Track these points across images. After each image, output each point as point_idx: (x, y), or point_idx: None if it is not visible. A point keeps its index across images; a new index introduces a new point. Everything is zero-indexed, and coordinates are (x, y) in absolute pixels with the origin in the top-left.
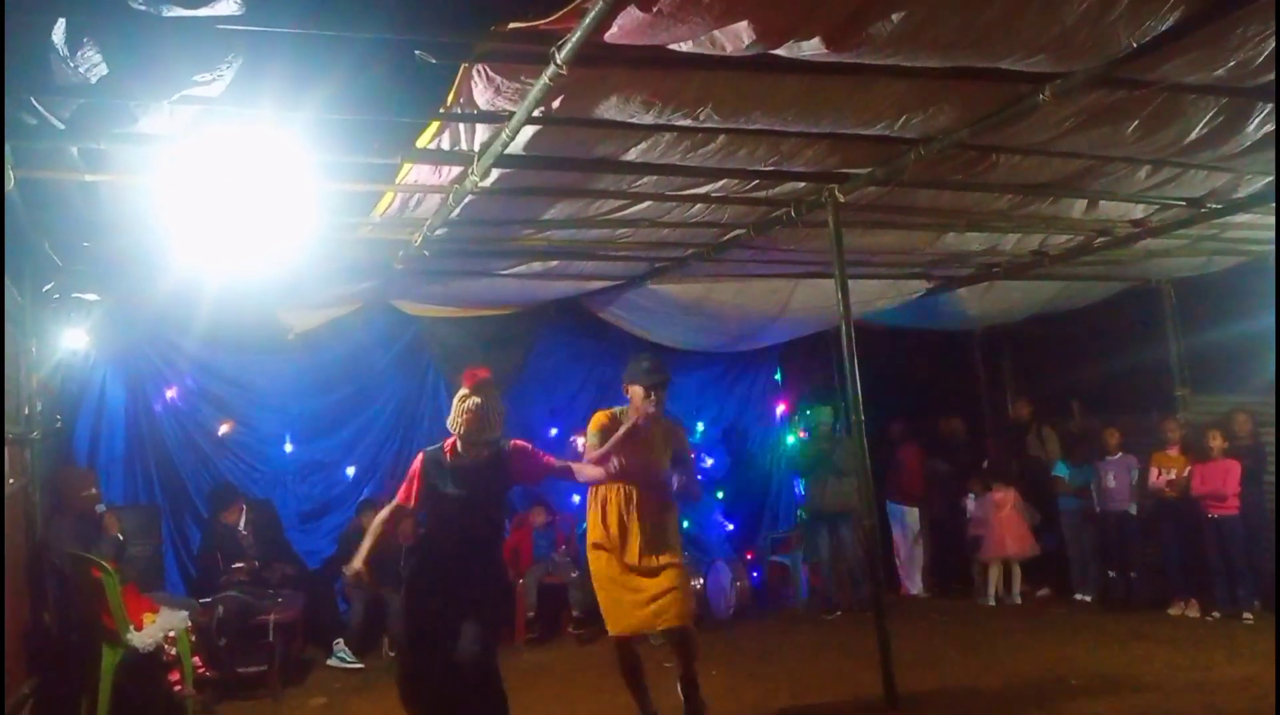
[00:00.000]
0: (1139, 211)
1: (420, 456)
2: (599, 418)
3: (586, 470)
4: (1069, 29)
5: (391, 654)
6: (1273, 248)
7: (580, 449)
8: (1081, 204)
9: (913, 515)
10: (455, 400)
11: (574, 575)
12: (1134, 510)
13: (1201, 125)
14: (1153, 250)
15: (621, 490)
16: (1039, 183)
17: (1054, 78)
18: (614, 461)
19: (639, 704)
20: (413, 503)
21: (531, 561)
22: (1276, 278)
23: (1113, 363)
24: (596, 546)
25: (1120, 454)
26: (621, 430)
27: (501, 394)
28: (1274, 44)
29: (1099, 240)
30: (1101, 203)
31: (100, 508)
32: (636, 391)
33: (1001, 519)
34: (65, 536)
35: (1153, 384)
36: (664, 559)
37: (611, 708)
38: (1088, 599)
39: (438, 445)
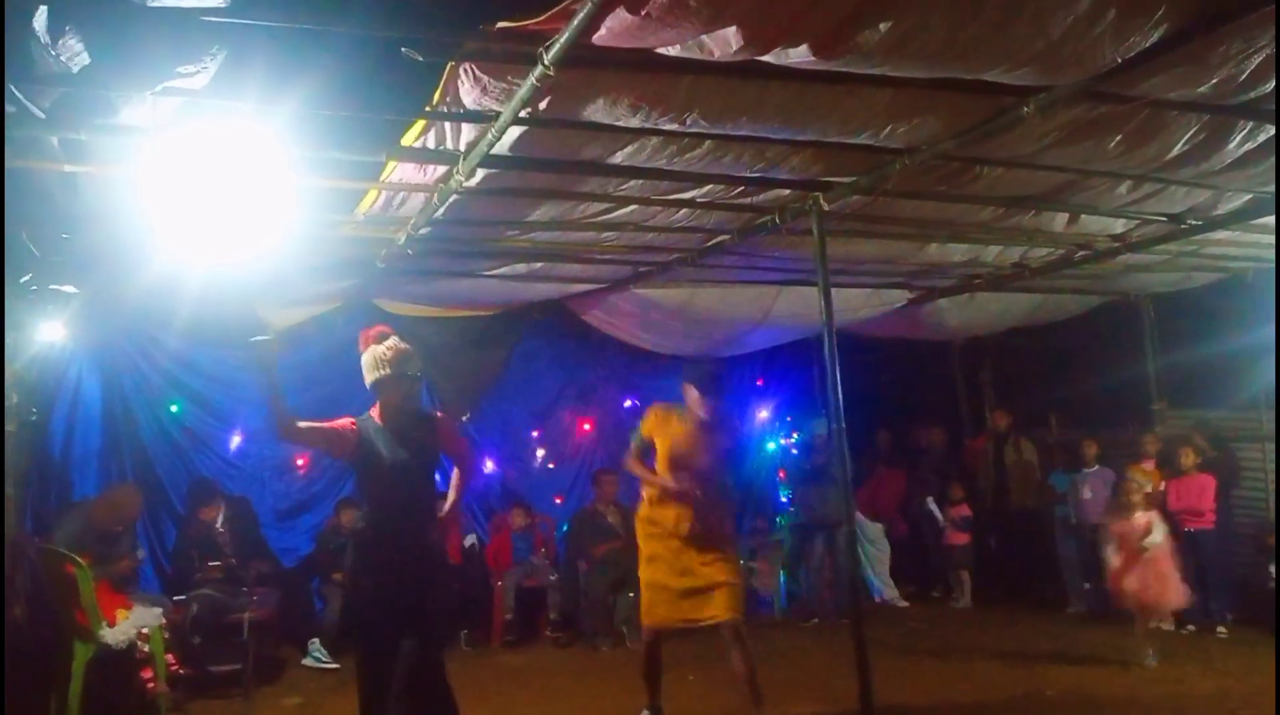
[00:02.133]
0: (1120, 226)
1: (351, 418)
2: (655, 412)
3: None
4: (1055, 43)
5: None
6: (1251, 264)
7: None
8: (1063, 218)
9: (877, 529)
10: (365, 357)
11: (552, 578)
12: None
13: (1184, 142)
14: (1133, 265)
15: (679, 487)
16: (1022, 195)
17: (1038, 91)
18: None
19: (649, 695)
20: (349, 448)
21: (510, 564)
22: (1277, 287)
23: (1091, 376)
24: (651, 533)
25: (1097, 466)
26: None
27: (483, 395)
28: (1257, 60)
29: (1080, 254)
30: (1083, 217)
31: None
32: (691, 392)
33: (1158, 569)
34: (72, 536)
35: (1130, 398)
36: (716, 553)
37: (590, 711)
38: (1080, 610)
39: (365, 414)
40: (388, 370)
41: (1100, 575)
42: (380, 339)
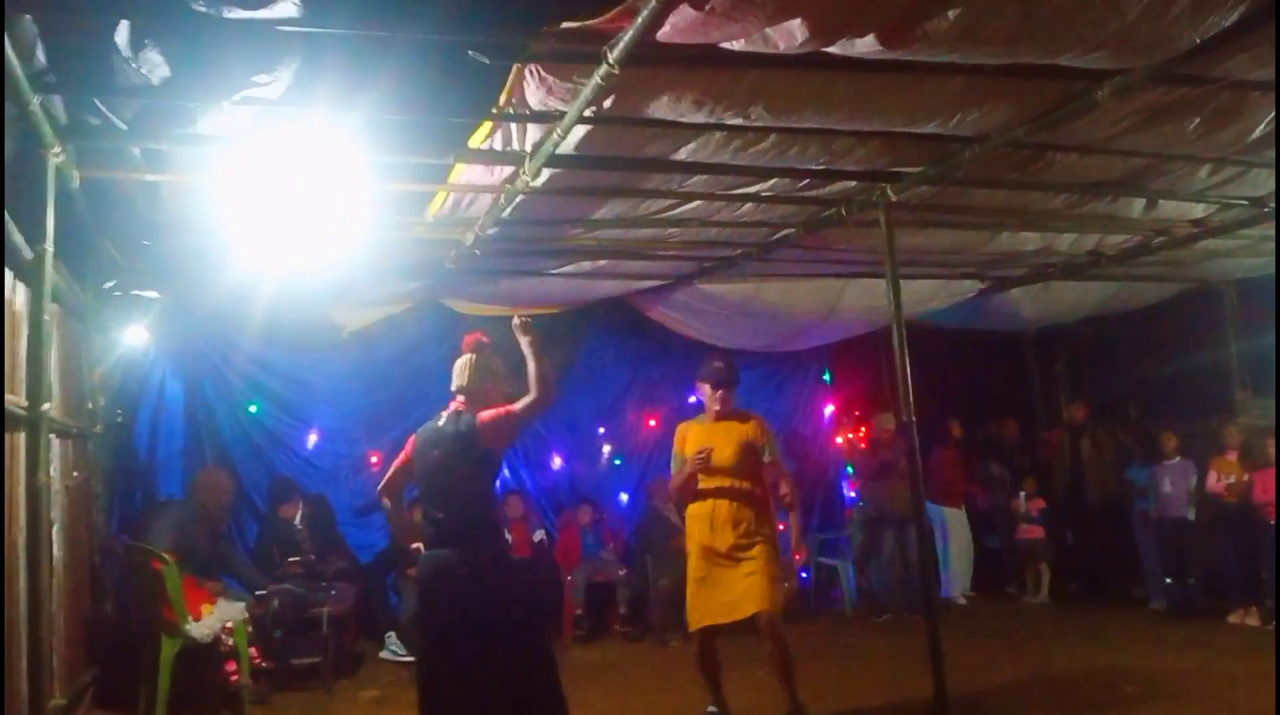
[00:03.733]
0: (1199, 211)
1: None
2: (679, 430)
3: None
4: (1129, 24)
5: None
6: None
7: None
8: (1140, 203)
9: (954, 518)
10: (465, 362)
11: (621, 573)
12: (1192, 516)
13: (1265, 123)
14: (1213, 251)
15: (710, 481)
16: (1096, 182)
17: (1113, 74)
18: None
19: (712, 693)
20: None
21: (579, 560)
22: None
23: (1170, 365)
24: (690, 534)
25: (1178, 458)
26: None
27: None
28: None
29: (1158, 240)
30: (1161, 202)
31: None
32: (705, 388)
33: None
34: (165, 530)
35: (1211, 387)
36: (752, 551)
37: (661, 705)
38: (1161, 606)
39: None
40: (467, 382)
41: (1182, 570)
42: (474, 350)
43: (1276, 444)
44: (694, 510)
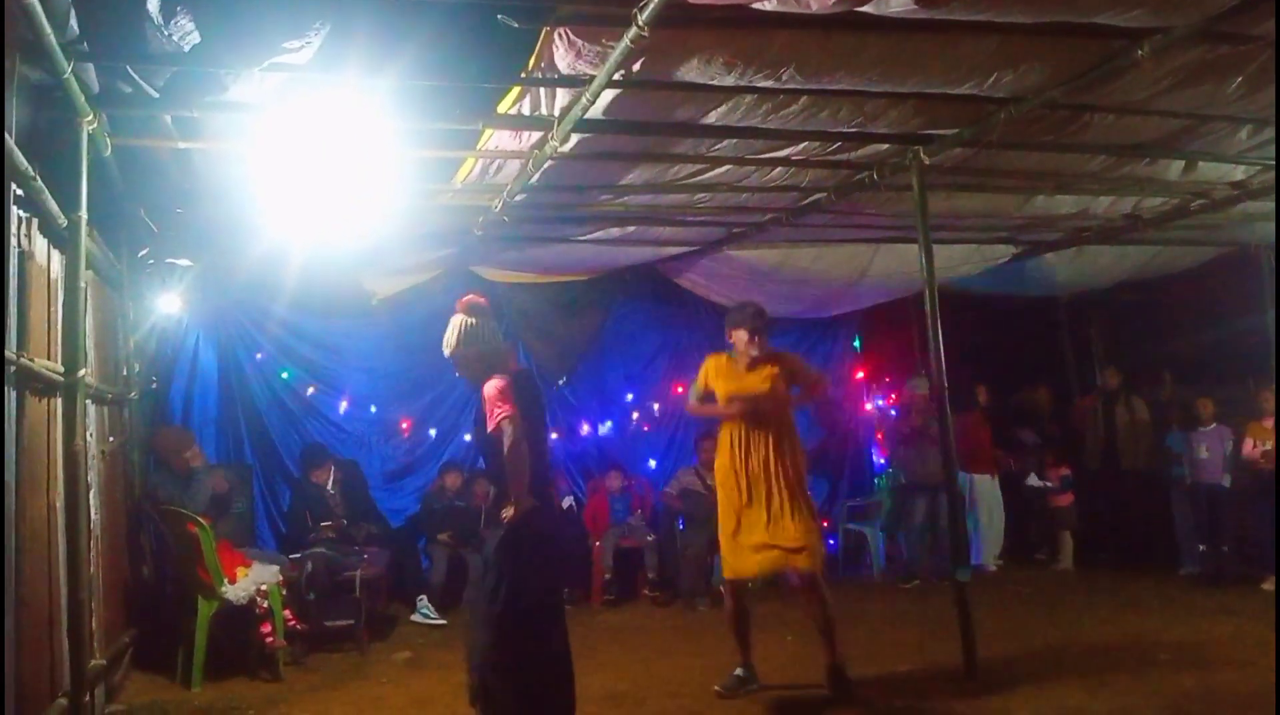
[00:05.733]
0: (1240, 173)
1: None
2: (710, 361)
3: None
4: None
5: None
6: None
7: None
8: (1178, 165)
9: (983, 484)
10: (458, 324)
11: (650, 539)
12: (1227, 482)
13: None
14: (1253, 214)
15: (742, 433)
16: (1134, 143)
17: (1152, 33)
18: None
19: (740, 653)
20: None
21: (608, 525)
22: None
23: (1207, 331)
24: (723, 482)
25: (1214, 425)
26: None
27: (579, 359)
28: None
29: (1196, 203)
30: (1200, 164)
31: (198, 464)
32: (740, 335)
33: None
34: (161, 491)
35: (1248, 353)
36: (788, 505)
37: (688, 669)
38: (1194, 572)
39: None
40: (459, 345)
41: (1217, 537)
42: (469, 312)
43: (1277, 421)
44: (724, 461)
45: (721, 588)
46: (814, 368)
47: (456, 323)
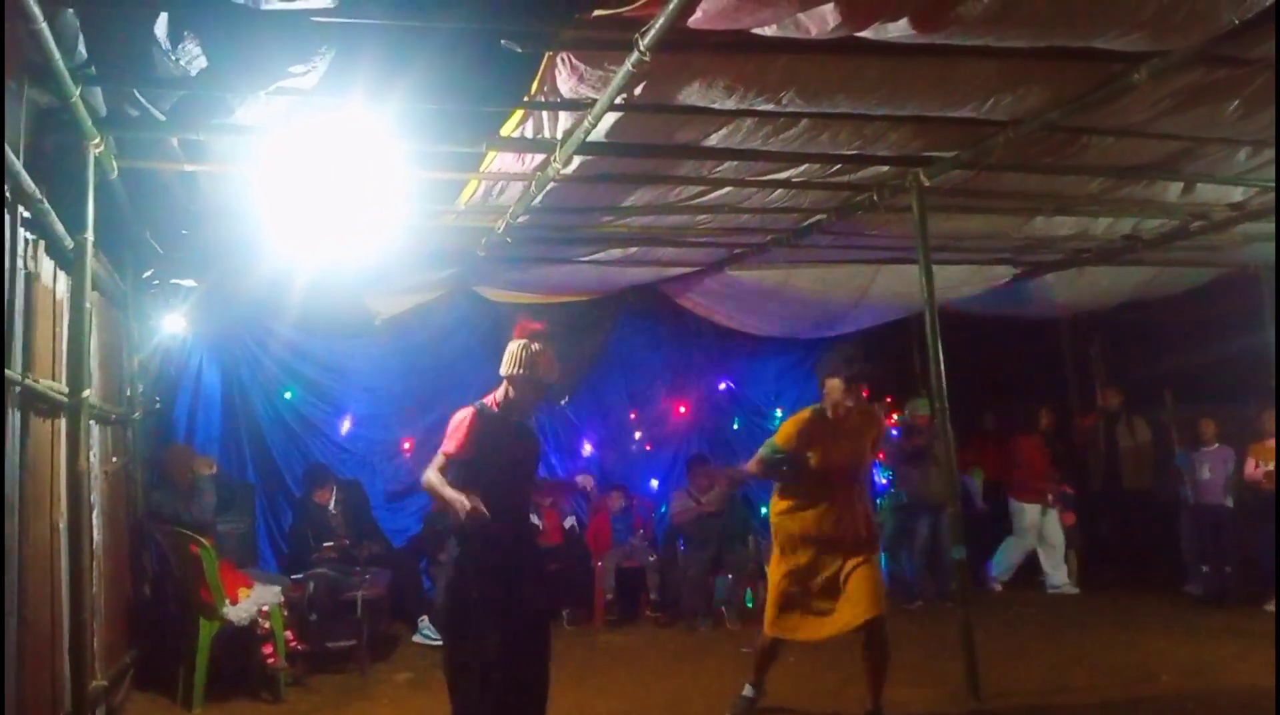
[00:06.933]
0: (1238, 194)
1: (471, 409)
2: (798, 423)
3: None
4: (1166, 5)
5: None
6: None
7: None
8: (1177, 187)
9: (1033, 514)
10: (512, 347)
11: (651, 559)
12: (1230, 503)
13: None
14: (1252, 235)
15: (835, 492)
16: (1133, 165)
17: (1150, 56)
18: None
19: (755, 674)
20: (462, 452)
21: (610, 545)
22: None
23: (1208, 351)
24: (788, 536)
25: (1216, 445)
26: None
27: (581, 379)
28: None
29: (1196, 224)
30: (1199, 185)
31: (209, 471)
32: (835, 384)
33: None
34: (165, 508)
35: (1249, 373)
36: (858, 559)
37: (689, 689)
38: (1198, 592)
39: (479, 400)
40: (524, 370)
41: (1219, 558)
42: (533, 337)
43: (1278, 440)
44: (796, 516)
45: (763, 641)
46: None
47: (511, 348)
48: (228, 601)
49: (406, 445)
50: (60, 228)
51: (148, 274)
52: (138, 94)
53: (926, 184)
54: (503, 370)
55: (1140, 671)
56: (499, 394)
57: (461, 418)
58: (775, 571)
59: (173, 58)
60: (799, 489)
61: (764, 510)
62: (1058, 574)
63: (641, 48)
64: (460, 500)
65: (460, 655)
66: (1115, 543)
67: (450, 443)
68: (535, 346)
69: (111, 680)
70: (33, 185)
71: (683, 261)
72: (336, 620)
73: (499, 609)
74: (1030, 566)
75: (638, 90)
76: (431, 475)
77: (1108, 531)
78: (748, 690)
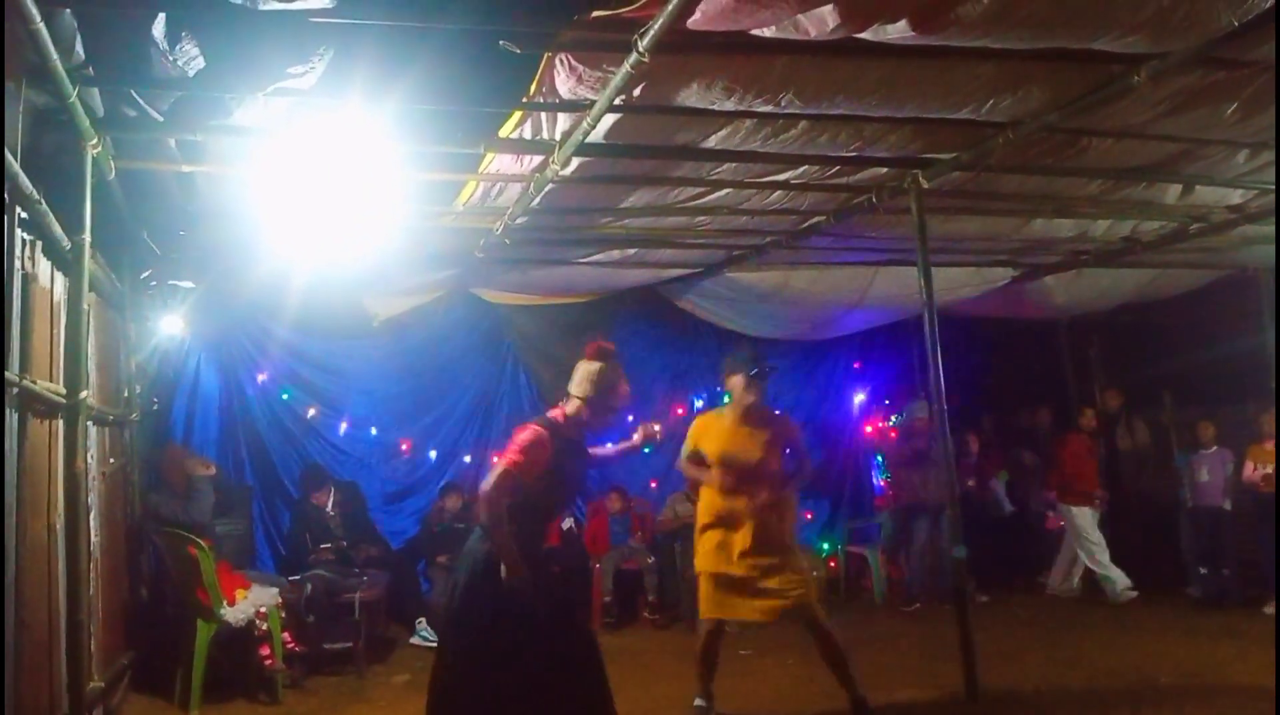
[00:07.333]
0: (1237, 197)
1: (544, 431)
2: (698, 421)
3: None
4: (1166, 7)
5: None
6: None
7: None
8: (1176, 189)
9: (1082, 517)
10: (584, 366)
11: (650, 561)
12: (1228, 505)
13: None
14: (1251, 237)
15: (731, 486)
16: (1132, 167)
17: (1149, 58)
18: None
19: (700, 684)
20: (536, 475)
21: (608, 547)
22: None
23: (1207, 353)
24: (706, 528)
25: (1215, 447)
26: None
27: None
28: None
29: (1195, 226)
30: (1198, 187)
31: (206, 471)
32: (737, 382)
33: None
34: (163, 509)
35: (1248, 375)
36: (776, 557)
37: (688, 692)
38: (1198, 595)
39: (545, 417)
40: (602, 396)
41: (1218, 560)
42: (603, 357)
43: (1277, 444)
44: (708, 507)
45: (699, 637)
46: (805, 450)
47: (588, 369)
48: (225, 603)
49: (404, 446)
50: (58, 229)
51: (145, 275)
52: (135, 95)
53: (925, 186)
54: (576, 390)
55: (1139, 673)
56: (568, 410)
57: (536, 439)
58: (699, 560)
59: (170, 58)
60: (711, 487)
61: None
62: (1073, 579)
63: (640, 49)
64: (514, 561)
65: (475, 651)
66: (1115, 545)
67: (524, 464)
68: (614, 371)
69: (109, 682)
70: (30, 186)
71: (681, 263)
72: (334, 622)
73: (548, 616)
74: (1030, 567)
75: (636, 91)
76: (496, 496)
77: (1108, 533)
78: (698, 701)
